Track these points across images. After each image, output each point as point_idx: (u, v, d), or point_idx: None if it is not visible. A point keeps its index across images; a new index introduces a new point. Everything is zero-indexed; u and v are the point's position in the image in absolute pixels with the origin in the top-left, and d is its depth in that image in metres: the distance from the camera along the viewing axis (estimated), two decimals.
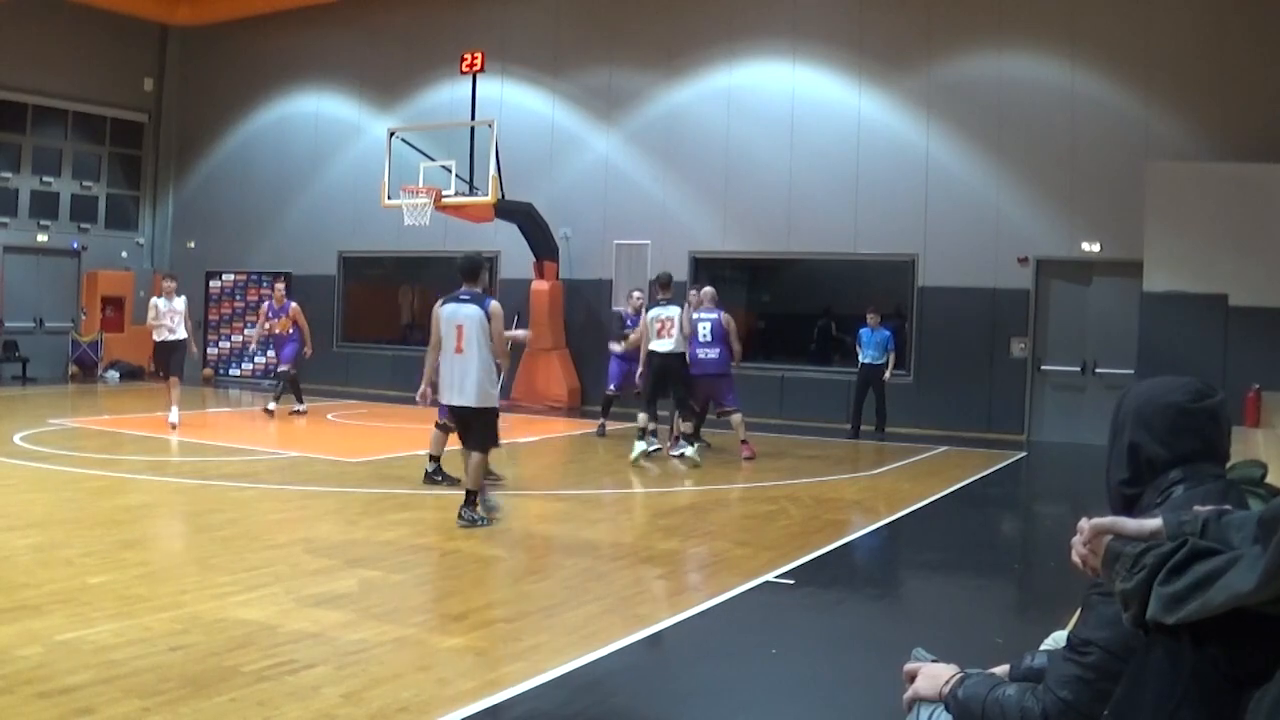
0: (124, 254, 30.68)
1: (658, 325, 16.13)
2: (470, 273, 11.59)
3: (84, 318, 29.02)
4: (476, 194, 22.65)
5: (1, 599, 7.90)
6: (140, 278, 30.32)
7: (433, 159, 23.05)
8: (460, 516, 10.98)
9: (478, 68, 23.87)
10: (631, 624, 7.75)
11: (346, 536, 10.45)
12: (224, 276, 29.78)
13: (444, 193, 22.46)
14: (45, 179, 29.72)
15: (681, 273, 22.17)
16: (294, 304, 21.54)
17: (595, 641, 7.30)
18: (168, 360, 18.80)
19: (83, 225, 30.31)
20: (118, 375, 28.39)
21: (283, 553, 9.62)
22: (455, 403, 11.32)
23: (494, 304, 11.41)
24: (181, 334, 18.75)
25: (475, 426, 11.32)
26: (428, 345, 11.72)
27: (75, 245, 29.87)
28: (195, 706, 5.89)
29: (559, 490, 13.61)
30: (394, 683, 6.36)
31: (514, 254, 24.64)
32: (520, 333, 16.16)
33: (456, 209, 22.78)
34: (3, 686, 6.08)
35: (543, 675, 6.58)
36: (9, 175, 29.04)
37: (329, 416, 21.66)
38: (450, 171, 22.75)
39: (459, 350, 11.15)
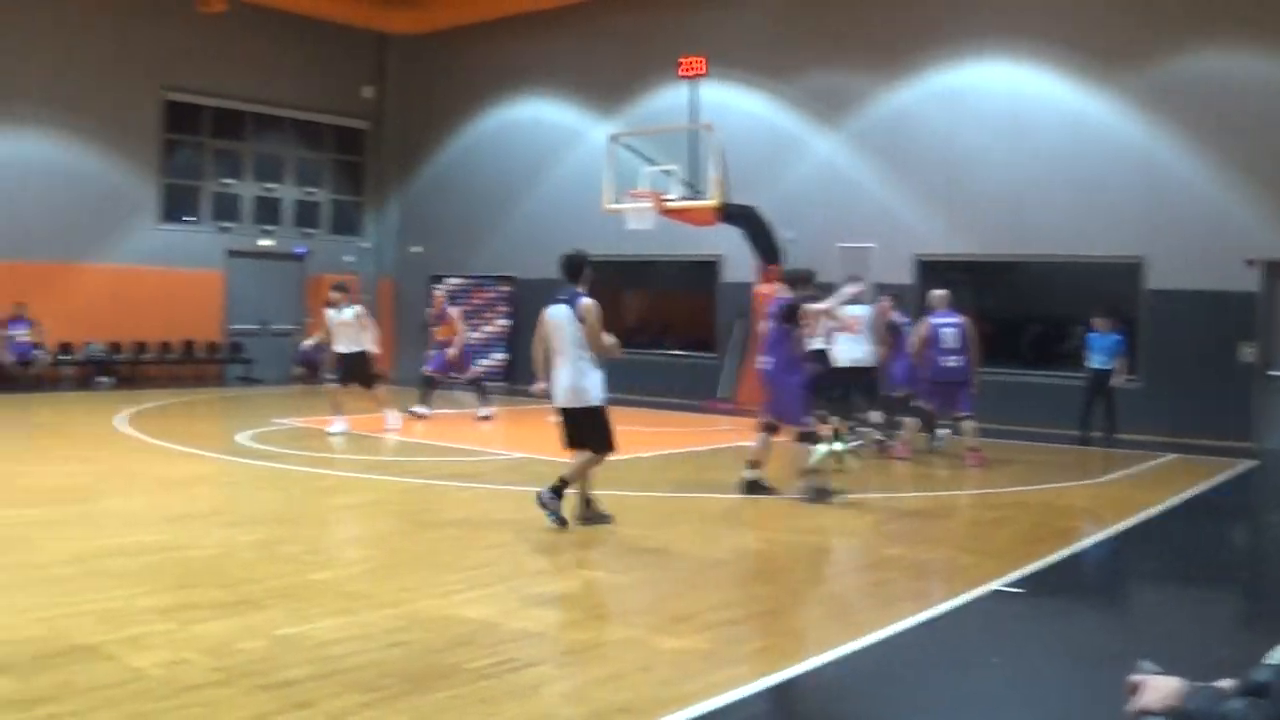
0: (348, 258, 31.26)
1: (839, 323, 15.62)
2: (570, 271, 11.45)
3: (310, 321, 29.66)
4: (698, 198, 22.54)
5: (225, 593, 8.01)
6: (365, 282, 30.91)
7: (654, 163, 23.01)
8: (539, 499, 10.69)
9: (697, 71, 23.77)
10: (855, 630, 7.51)
11: (572, 537, 10.43)
12: (448, 280, 30.15)
13: (666, 197, 22.39)
14: (268, 185, 30.47)
15: (907, 276, 21.76)
16: (453, 309, 21.66)
17: (819, 647, 7.10)
18: (350, 373, 18.38)
19: (307, 230, 30.99)
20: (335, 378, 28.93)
21: (507, 552, 9.63)
22: (558, 403, 11.27)
23: (585, 301, 11.14)
24: (359, 345, 18.33)
25: (583, 426, 11.22)
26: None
27: (301, 250, 30.54)
28: (414, 703, 5.87)
29: (785, 495, 13.40)
30: (615, 683, 6.25)
31: (737, 258, 24.46)
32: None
33: (679, 213, 22.68)
34: (223, 679, 6.14)
35: (765, 679, 6.42)
36: (232, 182, 29.84)
37: (550, 419, 21.71)
38: (672, 175, 22.69)
39: (558, 351, 11.05)
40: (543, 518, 10.55)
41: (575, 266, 11.47)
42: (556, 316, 11.13)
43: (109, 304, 27.02)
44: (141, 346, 27.68)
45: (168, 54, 27.95)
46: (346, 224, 32.00)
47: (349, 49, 31.10)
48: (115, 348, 27.26)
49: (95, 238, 27.03)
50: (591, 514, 11.00)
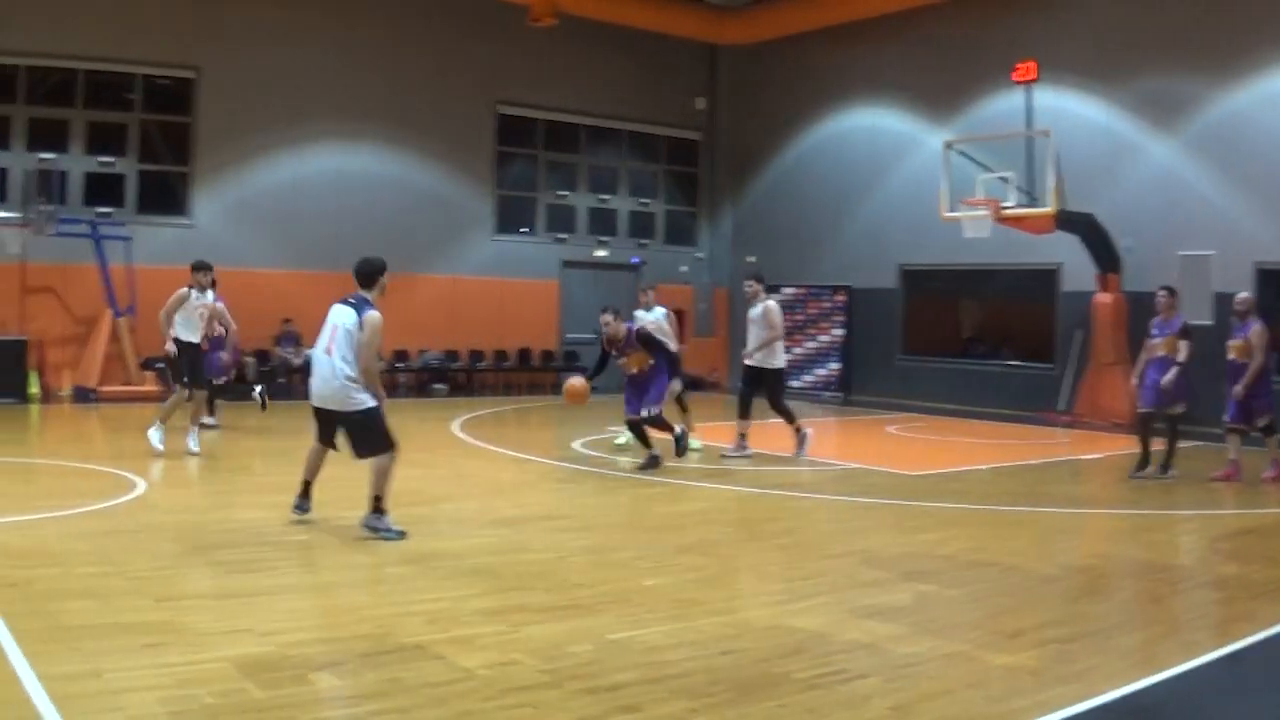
0: (683, 268, 31.62)
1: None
2: (364, 277, 10.95)
3: None
4: (1035, 205, 22.10)
5: (556, 597, 8.18)
6: (699, 292, 31.22)
7: (990, 170, 22.65)
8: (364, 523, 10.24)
9: (1030, 76, 23.31)
10: (1188, 650, 7.27)
11: (904, 549, 10.32)
12: (784, 290, 30.21)
13: (1003, 204, 22.03)
14: (602, 197, 31.06)
15: (1246, 285, 20.82)
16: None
17: (1150, 667, 6.88)
18: (183, 366, 15.58)
19: (641, 241, 31.45)
20: (680, 385, 29.13)
21: (838, 563, 9.59)
22: (315, 404, 10.57)
23: (372, 314, 10.55)
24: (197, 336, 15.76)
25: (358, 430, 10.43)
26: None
27: (636, 260, 31.00)
28: (742, 711, 5.90)
29: (1120, 509, 13.03)
30: (944, 698, 6.19)
31: (1076, 266, 23.88)
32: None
33: (1016, 221, 22.30)
34: (551, 681, 6.27)
35: (1094, 699, 6.24)
36: (567, 194, 30.47)
37: (889, 429, 21.59)
38: (1008, 182, 22.30)
39: (327, 351, 10.39)
40: (875, 525, 10.49)
41: (371, 272, 10.99)
42: (340, 317, 10.55)
43: (445, 313, 27.90)
44: (477, 355, 28.48)
45: (500, 69, 28.75)
46: (681, 234, 32.37)
47: (679, 60, 31.51)
48: (451, 356, 28.11)
49: (432, 249, 27.95)
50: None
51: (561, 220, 30.55)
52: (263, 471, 14.97)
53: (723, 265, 32.36)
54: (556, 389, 26.40)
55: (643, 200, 31.80)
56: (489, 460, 16.21)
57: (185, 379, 15.45)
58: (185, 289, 15.69)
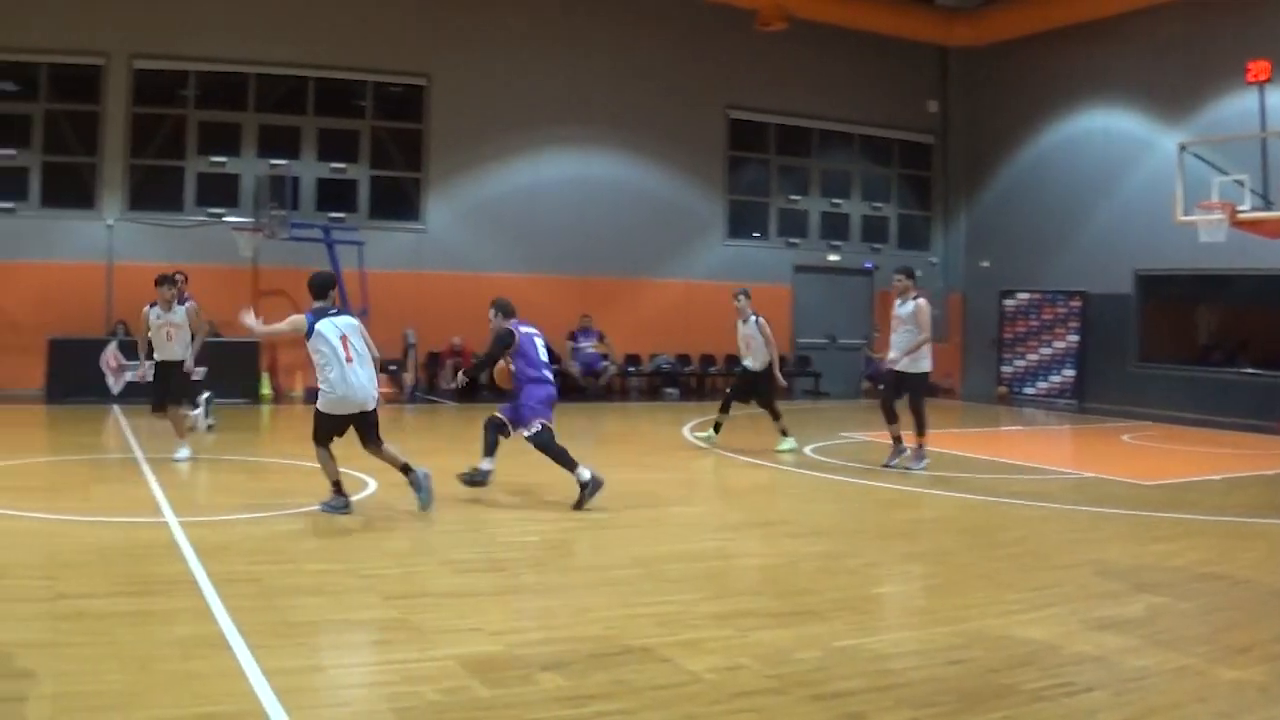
0: (918, 272, 31.46)
1: None
2: (323, 289, 12.16)
3: (877, 335, 29.97)
4: (1272, 209, 21.57)
5: (783, 603, 8.34)
6: (934, 296, 31.03)
7: (1225, 173, 22.15)
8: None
9: (1263, 77, 22.77)
10: None
11: (1136, 560, 10.22)
12: (1018, 295, 29.88)
13: (1238, 208, 21.53)
14: (834, 201, 31.06)
15: None
16: None
17: None
18: (162, 385, 15.34)
19: (874, 245, 31.39)
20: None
21: (1071, 574, 9.54)
22: (354, 410, 11.90)
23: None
24: (177, 354, 15.35)
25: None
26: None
27: (869, 265, 30.94)
28: None
29: None
30: (1171, 712, 6.17)
31: None
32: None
33: (1251, 225, 21.75)
34: (777, 686, 6.40)
35: None
36: (798, 198, 30.61)
37: (1124, 438, 21.25)
38: (1243, 186, 21.79)
39: (358, 354, 11.83)
40: (1108, 536, 10.42)
41: (327, 284, 12.32)
42: (345, 327, 11.93)
43: (677, 318, 28.17)
44: (708, 359, 28.69)
45: (731, 73, 28.96)
46: (914, 238, 32.23)
47: (910, 63, 31.37)
48: (683, 360, 28.38)
49: (663, 253, 28.30)
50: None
51: (793, 224, 30.65)
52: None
53: (956, 270, 32.15)
54: (790, 395, 26.41)
55: (875, 204, 31.73)
56: (719, 464, 16.40)
57: (171, 397, 15.26)
58: (147, 307, 15.59)
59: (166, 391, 15.30)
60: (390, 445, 11.82)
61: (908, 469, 15.38)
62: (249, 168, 25.14)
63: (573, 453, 11.95)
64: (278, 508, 11.59)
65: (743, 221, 30.02)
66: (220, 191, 25.10)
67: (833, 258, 30.68)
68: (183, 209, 24.89)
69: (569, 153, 27.60)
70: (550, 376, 12.83)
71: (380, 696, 6.08)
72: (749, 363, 17.73)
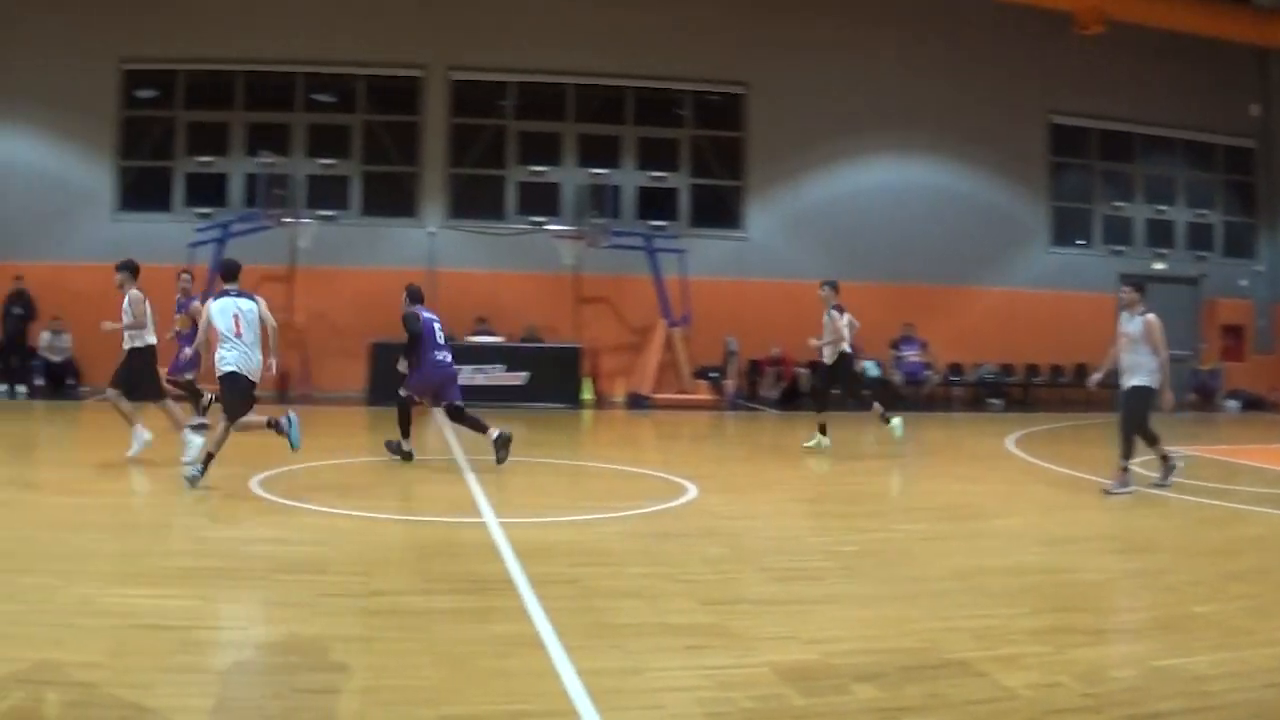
0: (1242, 282, 30.32)
1: None
2: (233, 273, 13.53)
3: (1204, 346, 29.02)
4: None
5: (1104, 620, 8.15)
6: (1259, 306, 29.85)
7: None
8: None
9: None
10: None
11: None
12: None
13: None
14: (1159, 208, 30.16)
15: None
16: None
17: None
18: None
19: (1199, 254, 30.36)
20: (1238, 405, 28.07)
21: None
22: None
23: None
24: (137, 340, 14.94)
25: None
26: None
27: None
28: None
29: None
30: None
31: None
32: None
33: None
34: (1093, 705, 6.20)
35: None
36: (1123, 205, 29.74)
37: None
38: None
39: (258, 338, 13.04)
40: None
41: (235, 270, 13.61)
42: (250, 309, 13.05)
43: (1000, 327, 27.74)
44: (1033, 369, 28.14)
45: (1050, 78, 28.48)
46: (1240, 246, 31.04)
47: (1230, 65, 30.32)
48: (1006, 370, 27.88)
49: (984, 261, 27.90)
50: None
51: (1118, 232, 29.87)
52: (797, 481, 15.26)
53: None
54: (1111, 405, 25.71)
55: (1200, 211, 30.68)
56: (1041, 477, 16.02)
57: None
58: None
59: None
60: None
61: (1109, 491, 14.08)
62: (569, 177, 25.69)
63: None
64: (596, 510, 11.78)
65: (1067, 229, 29.38)
66: (541, 200, 25.69)
67: (1158, 266, 29.76)
68: (504, 217, 25.50)
69: (888, 160, 27.53)
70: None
71: (693, 701, 6.07)
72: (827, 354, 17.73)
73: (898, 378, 25.82)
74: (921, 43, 27.45)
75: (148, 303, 15.04)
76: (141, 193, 26.12)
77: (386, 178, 25.80)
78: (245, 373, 12.88)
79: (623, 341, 25.54)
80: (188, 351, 16.40)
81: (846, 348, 17.49)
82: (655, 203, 26.52)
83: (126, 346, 14.99)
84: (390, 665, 6.44)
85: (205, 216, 25.05)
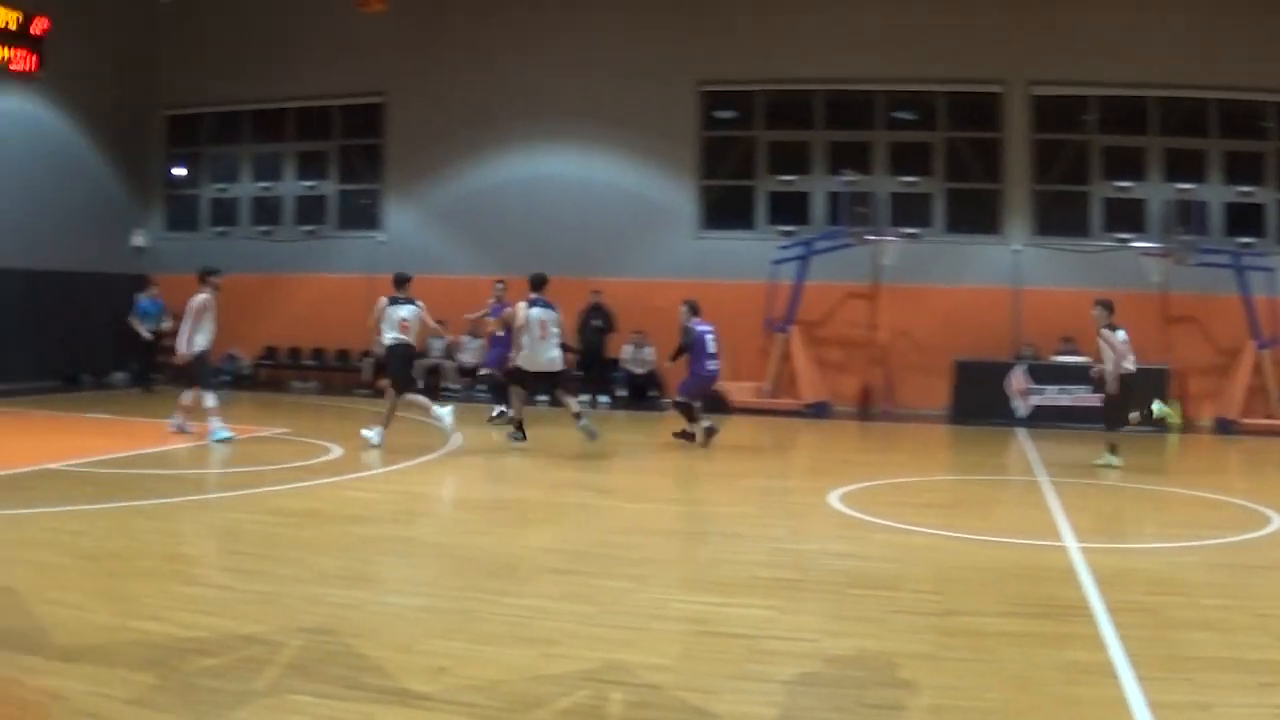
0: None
1: None
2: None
3: None
4: None
5: None
6: None
7: None
8: None
9: None
10: None
11: None
12: None
13: None
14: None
15: None
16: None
17: None
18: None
19: None
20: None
21: None
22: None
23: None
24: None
25: None
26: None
27: None
28: None
29: None
30: None
31: None
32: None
33: None
34: None
35: None
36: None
37: None
38: None
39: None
40: None
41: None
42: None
43: None
44: None
45: None
46: None
47: None
48: None
49: None
50: None
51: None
52: None
53: None
54: None
55: None
56: None
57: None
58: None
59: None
60: None
61: None
62: (1155, 192, 24.72)
63: None
64: (1177, 539, 11.24)
65: None
66: (1127, 217, 24.82)
67: None
68: (1089, 234, 24.81)
69: None
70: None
71: None
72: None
73: None
74: None
75: None
76: (723, 211, 26.83)
77: (968, 194, 25.56)
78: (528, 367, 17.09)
79: (1211, 363, 24.33)
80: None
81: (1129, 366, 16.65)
82: (1244, 219, 25.12)
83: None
84: (958, 685, 6.33)
85: (788, 235, 25.47)
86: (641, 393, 25.56)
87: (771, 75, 26.09)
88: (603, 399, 25.12)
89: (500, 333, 20.51)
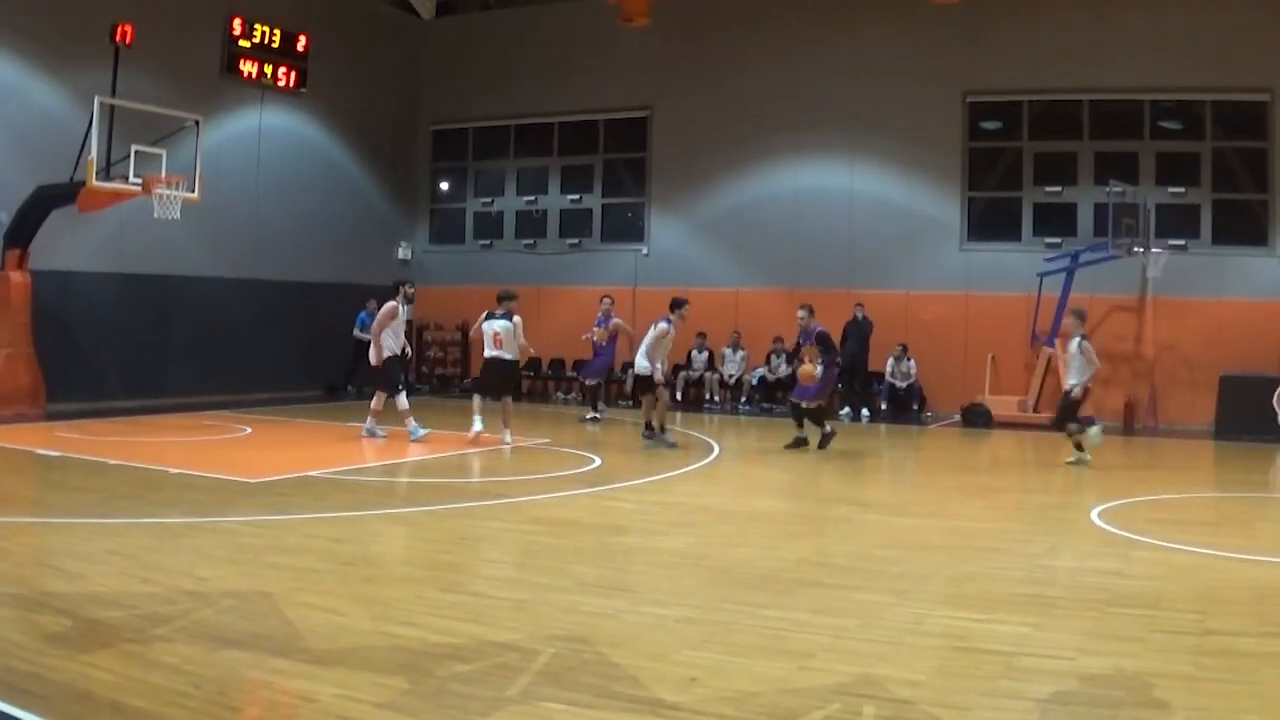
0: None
1: None
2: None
3: None
4: None
5: None
6: None
7: None
8: None
9: None
10: None
11: None
12: None
13: None
14: None
15: None
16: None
17: None
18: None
19: None
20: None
21: None
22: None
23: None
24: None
25: None
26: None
27: None
28: None
29: None
30: None
31: None
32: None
33: None
34: None
35: None
36: None
37: None
38: None
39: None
40: None
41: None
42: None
43: None
44: None
45: None
46: None
47: None
48: None
49: None
50: None
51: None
52: None
53: None
54: None
55: None
56: None
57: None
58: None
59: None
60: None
61: None
62: None
63: None
64: None
65: None
66: None
67: None
68: None
69: None
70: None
71: None
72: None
73: None
74: None
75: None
76: (989, 223, 26.66)
77: (1236, 205, 24.89)
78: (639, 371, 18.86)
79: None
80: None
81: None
82: None
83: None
84: (1214, 706, 6.29)
85: (1054, 246, 25.17)
86: (904, 405, 25.55)
87: (1038, 85, 25.85)
88: (865, 412, 25.17)
89: (603, 343, 22.63)
